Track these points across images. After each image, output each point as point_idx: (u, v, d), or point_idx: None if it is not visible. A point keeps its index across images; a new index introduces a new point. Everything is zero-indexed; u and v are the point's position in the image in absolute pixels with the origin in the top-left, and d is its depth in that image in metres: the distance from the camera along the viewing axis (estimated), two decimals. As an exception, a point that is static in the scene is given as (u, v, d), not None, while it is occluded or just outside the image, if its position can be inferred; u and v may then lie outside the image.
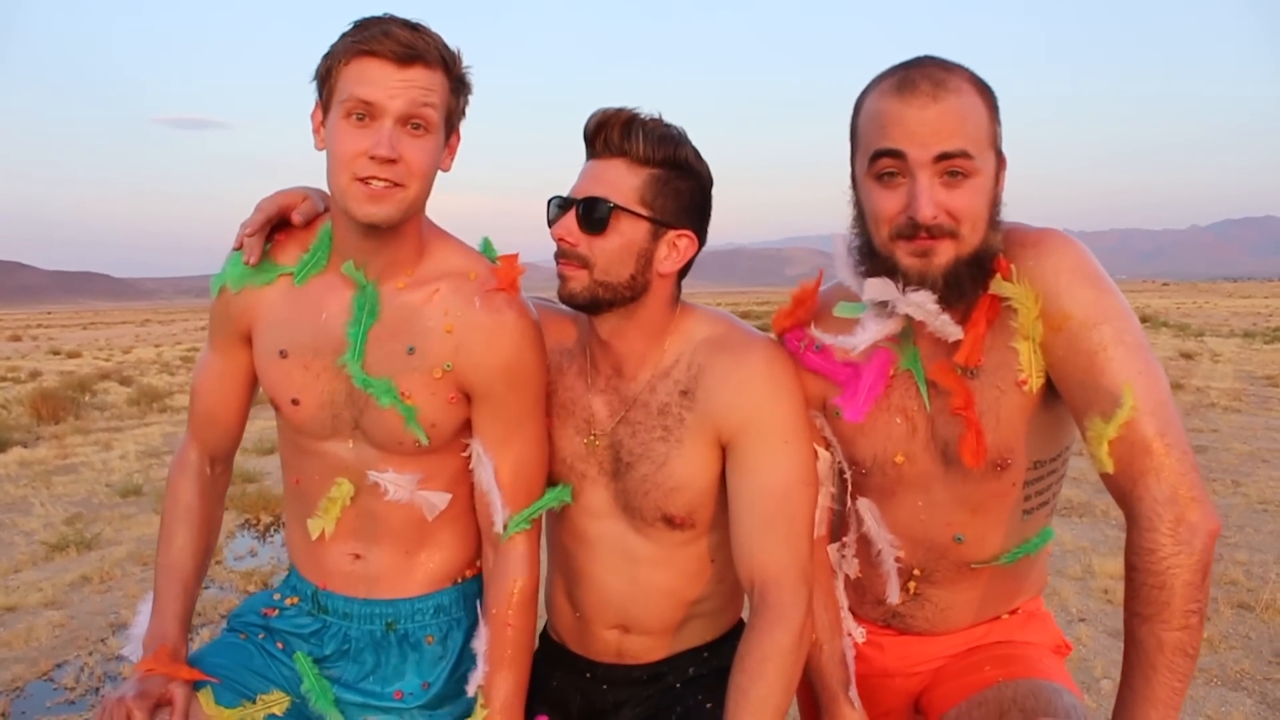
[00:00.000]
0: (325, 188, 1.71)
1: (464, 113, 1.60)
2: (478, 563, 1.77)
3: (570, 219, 1.59)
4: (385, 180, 1.47)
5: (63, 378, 17.92)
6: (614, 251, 1.58)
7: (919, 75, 1.42)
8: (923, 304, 1.45)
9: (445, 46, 1.52)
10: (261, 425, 12.07)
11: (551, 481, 1.73)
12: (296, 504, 1.74)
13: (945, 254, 1.42)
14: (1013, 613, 1.71)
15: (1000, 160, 1.46)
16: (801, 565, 1.56)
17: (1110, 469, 1.37)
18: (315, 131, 1.56)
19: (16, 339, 45.11)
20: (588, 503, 1.72)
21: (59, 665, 4.27)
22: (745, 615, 1.84)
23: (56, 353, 29.87)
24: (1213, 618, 4.34)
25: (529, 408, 1.64)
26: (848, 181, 1.56)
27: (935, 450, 1.57)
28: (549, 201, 1.64)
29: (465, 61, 1.56)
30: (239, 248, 1.65)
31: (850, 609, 1.77)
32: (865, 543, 1.69)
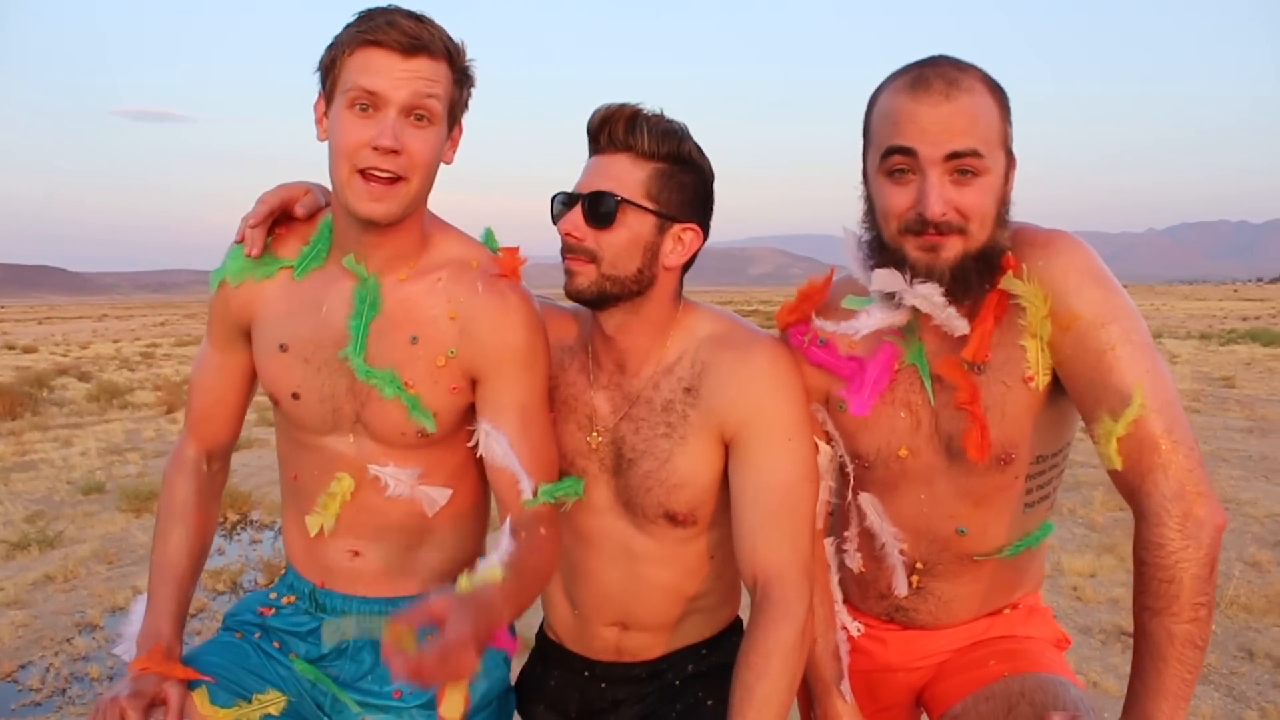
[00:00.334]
0: (323, 180, 1.70)
1: (467, 105, 1.60)
2: (478, 561, 1.74)
3: (576, 213, 1.58)
4: (387, 171, 1.47)
5: (19, 373, 17.56)
6: (621, 245, 1.57)
7: (933, 74, 1.43)
8: (929, 296, 1.47)
9: (450, 38, 1.51)
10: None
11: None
12: (294, 501, 1.72)
13: (953, 249, 1.44)
14: (1013, 607, 1.72)
15: (1010, 160, 1.48)
16: (804, 561, 1.56)
17: (1119, 465, 1.38)
18: (317, 123, 1.55)
19: (-31, 334, 44.15)
20: (588, 500, 1.70)
21: (23, 666, 4.18)
22: (741, 612, 1.85)
23: (11, 348, 29.23)
24: (1180, 613, 4.42)
25: (536, 391, 1.61)
26: (859, 177, 1.57)
27: (939, 444, 1.58)
28: (553, 198, 1.64)
29: (469, 54, 1.55)
30: (240, 240, 1.63)
31: (853, 604, 1.77)
32: (867, 537, 1.69)
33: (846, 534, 1.73)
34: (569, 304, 1.80)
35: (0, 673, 4.08)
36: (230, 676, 1.59)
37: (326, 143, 1.52)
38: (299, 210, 1.65)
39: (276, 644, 1.69)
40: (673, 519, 1.65)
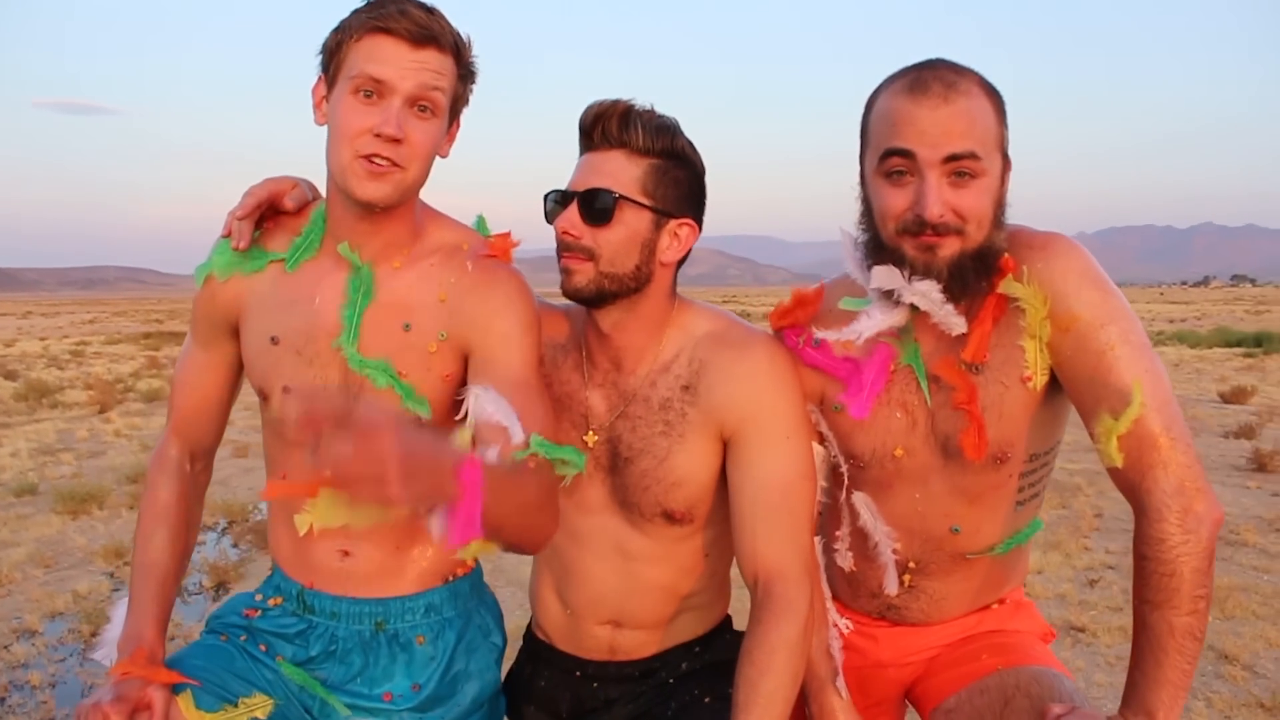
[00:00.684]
0: (285, 174, 1.68)
1: (468, 101, 1.59)
2: (468, 561, 1.72)
3: (573, 211, 1.57)
4: (387, 159, 1.46)
5: (-60, 371, 16.88)
6: (619, 242, 1.56)
7: (931, 77, 1.44)
8: (928, 293, 1.48)
9: (457, 32, 1.51)
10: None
11: None
12: (283, 501, 1.67)
13: (950, 248, 1.46)
14: (1001, 602, 1.75)
15: (1006, 162, 1.50)
16: (805, 558, 1.57)
17: (1119, 463, 1.41)
18: (316, 106, 1.53)
19: (-118, 329, 42.33)
20: (582, 498, 1.68)
21: (-40, 674, 4.02)
22: (730, 610, 1.85)
23: (-71, 344, 28.11)
24: (1124, 608, 4.55)
25: (528, 369, 1.55)
26: (856, 177, 1.59)
27: (935, 444, 1.60)
28: (545, 196, 1.63)
29: (474, 50, 1.55)
30: (227, 234, 1.60)
31: (844, 602, 1.79)
32: (860, 536, 1.70)
33: (838, 533, 1.74)
34: (559, 301, 1.78)
35: (-65, 681, 3.92)
36: (215, 680, 1.54)
37: (325, 127, 1.51)
38: (288, 203, 1.62)
39: (263, 646, 1.64)
40: (670, 517, 1.64)
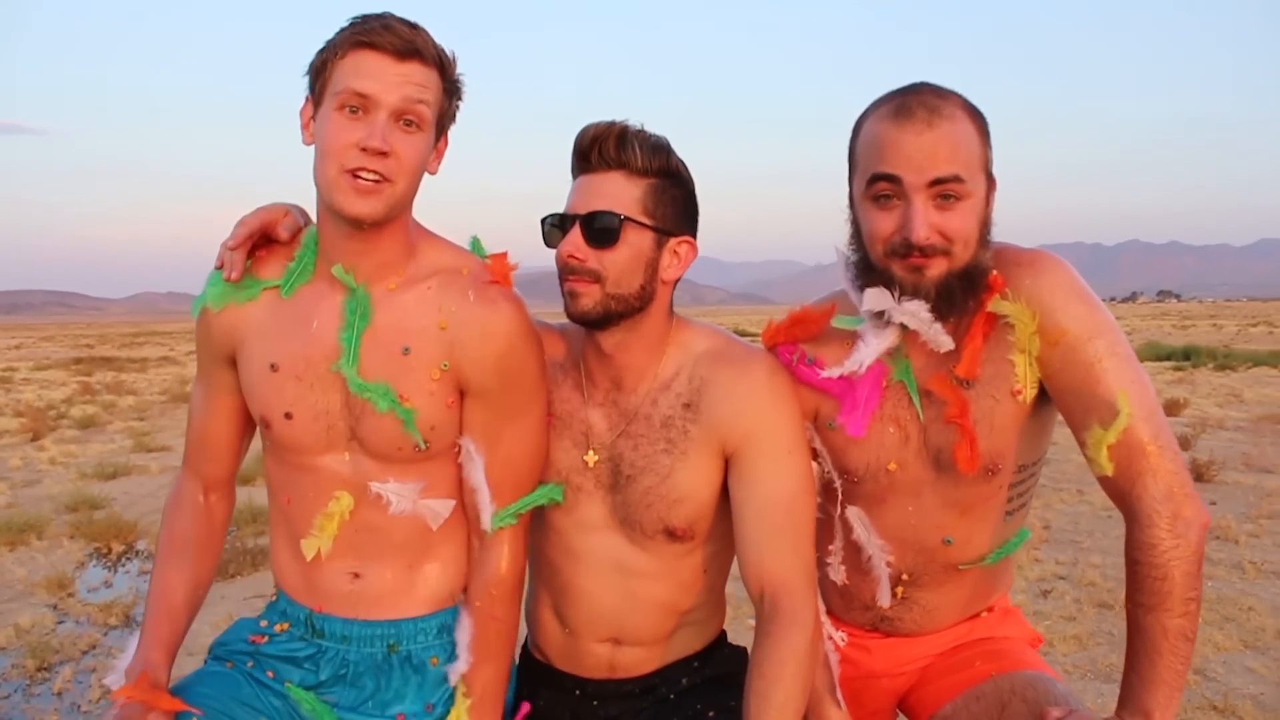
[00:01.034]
0: (279, 201, 1.68)
1: (454, 117, 1.60)
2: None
3: (576, 234, 1.58)
4: (374, 173, 1.46)
5: None
6: (624, 264, 1.58)
7: (915, 102, 1.49)
8: (916, 313, 1.53)
9: (441, 48, 1.52)
10: (101, 449, 11.31)
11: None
12: (286, 526, 1.66)
13: (938, 268, 1.51)
14: (990, 610, 1.80)
15: (991, 182, 1.55)
16: (809, 571, 1.60)
17: (1110, 471, 1.47)
18: (304, 127, 1.54)
19: None
20: (582, 516, 1.69)
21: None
22: (726, 625, 1.86)
23: None
24: (1078, 617, 4.66)
25: (524, 402, 1.61)
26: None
27: (927, 457, 1.64)
28: (543, 220, 1.64)
29: (459, 67, 1.56)
30: (220, 266, 1.59)
31: (837, 615, 1.82)
32: (853, 550, 1.74)
33: (830, 548, 1.77)
34: (554, 321, 1.79)
35: None
36: (220, 707, 1.51)
37: (312, 147, 1.51)
38: (281, 232, 1.62)
39: (270, 673, 1.62)
40: (671, 534, 1.65)
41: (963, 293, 1.53)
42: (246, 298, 1.60)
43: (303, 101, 1.54)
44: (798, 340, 1.72)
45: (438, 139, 1.56)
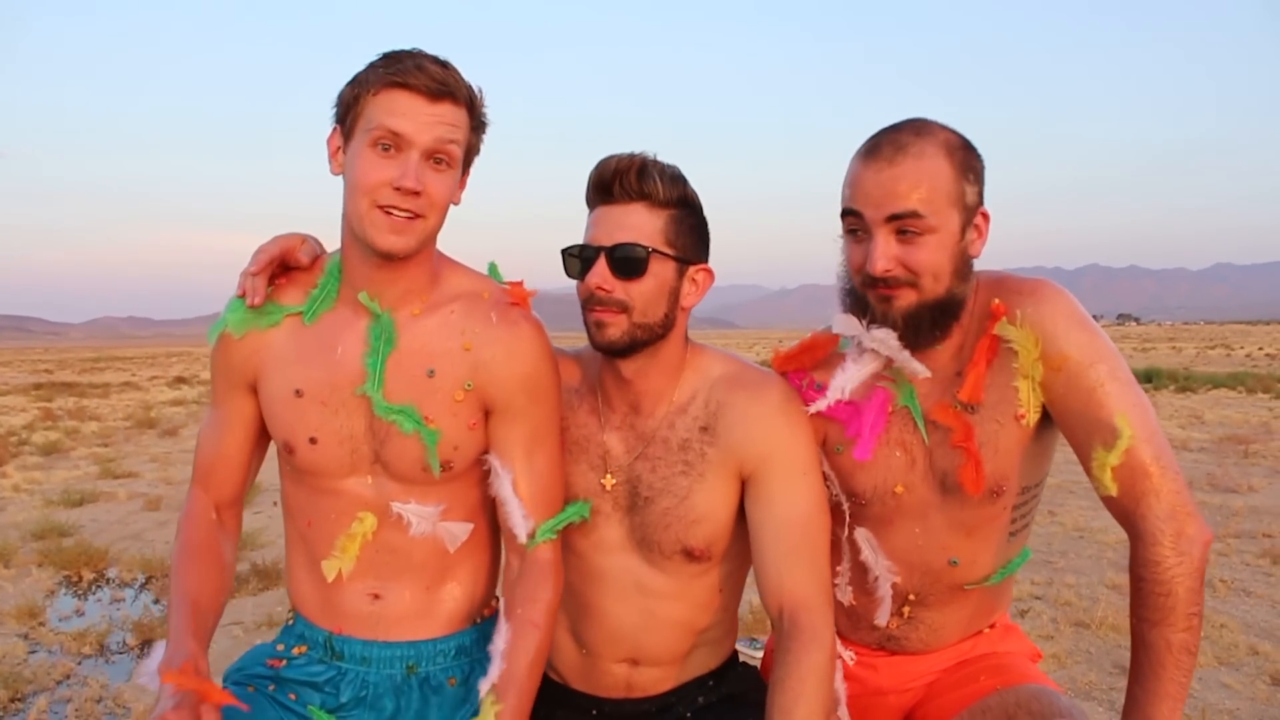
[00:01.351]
0: (287, 231, 1.71)
1: (479, 150, 1.64)
2: (494, 602, 1.74)
3: (603, 266, 1.61)
4: (407, 211, 1.50)
5: None
6: (650, 294, 1.62)
7: (885, 141, 1.57)
8: (885, 340, 1.61)
9: (471, 86, 1.56)
10: (65, 475, 11.10)
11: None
12: (305, 549, 1.67)
13: (906, 299, 1.58)
14: (992, 627, 1.85)
15: (969, 216, 1.59)
16: (826, 589, 1.64)
17: (1114, 492, 1.53)
18: (332, 156, 1.57)
19: None
20: (600, 538, 1.73)
21: None
22: (738, 644, 1.89)
23: None
24: (1055, 636, 4.73)
25: (547, 421, 1.65)
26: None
27: (934, 480, 1.69)
28: (564, 251, 1.67)
29: (485, 102, 1.59)
30: (242, 294, 1.61)
31: (844, 634, 1.86)
32: (860, 570, 1.79)
33: (837, 569, 1.81)
34: (569, 346, 1.83)
35: None
36: None
37: (340, 177, 1.55)
38: (302, 258, 1.65)
39: (293, 695, 1.64)
40: (689, 554, 1.69)
41: (933, 324, 1.60)
42: (268, 324, 1.62)
43: (330, 131, 1.56)
44: (806, 367, 1.77)
45: (464, 172, 1.60)
